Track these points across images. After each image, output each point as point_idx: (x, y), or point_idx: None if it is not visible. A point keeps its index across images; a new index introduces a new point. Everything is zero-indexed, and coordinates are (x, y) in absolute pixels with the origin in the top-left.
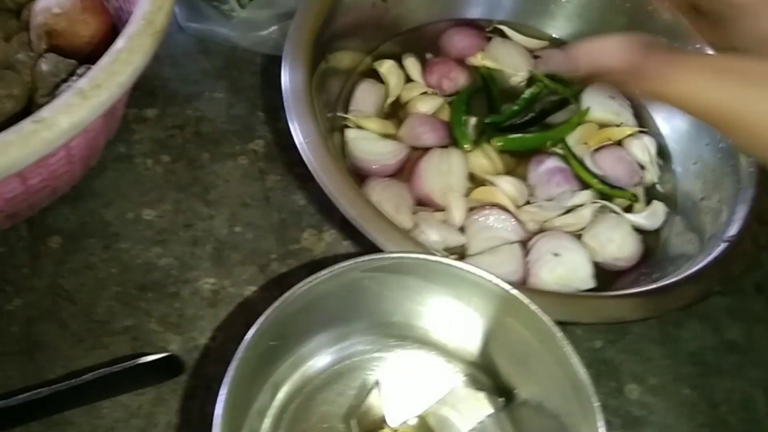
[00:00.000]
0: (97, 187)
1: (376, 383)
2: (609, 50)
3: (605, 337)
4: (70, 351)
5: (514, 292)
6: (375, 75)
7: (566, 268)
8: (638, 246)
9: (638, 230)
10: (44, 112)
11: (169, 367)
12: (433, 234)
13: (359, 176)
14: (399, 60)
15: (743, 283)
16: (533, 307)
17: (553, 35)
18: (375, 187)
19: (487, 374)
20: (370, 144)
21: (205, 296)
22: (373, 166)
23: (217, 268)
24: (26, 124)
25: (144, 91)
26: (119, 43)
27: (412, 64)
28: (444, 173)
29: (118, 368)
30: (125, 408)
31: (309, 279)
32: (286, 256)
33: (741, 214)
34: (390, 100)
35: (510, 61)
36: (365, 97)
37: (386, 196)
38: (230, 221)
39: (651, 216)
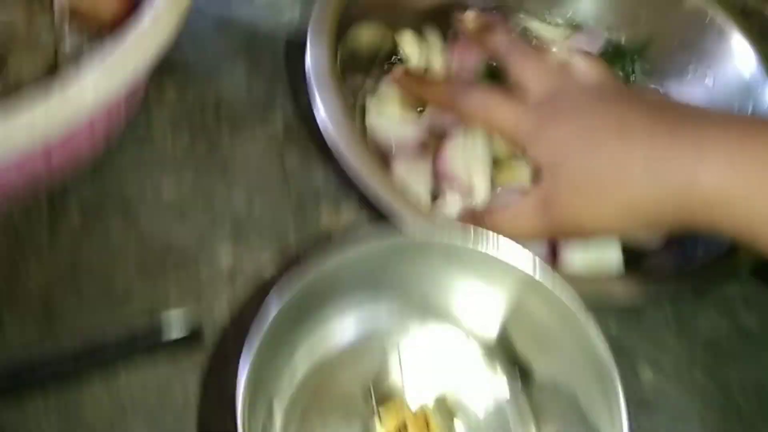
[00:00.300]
0: (117, 163)
1: (398, 355)
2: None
3: (621, 322)
4: (89, 322)
5: (539, 277)
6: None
7: (595, 252)
8: None
9: None
10: (71, 86)
11: (190, 337)
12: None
13: (382, 157)
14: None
15: (761, 273)
16: (558, 291)
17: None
18: (398, 167)
19: (506, 355)
20: (393, 126)
21: (223, 273)
22: (395, 147)
23: (235, 245)
24: (52, 96)
25: (165, 70)
26: (144, 20)
27: (434, 38)
28: (469, 153)
29: (139, 333)
30: (143, 383)
31: (328, 256)
32: (305, 233)
33: None
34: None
35: None
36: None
37: (409, 176)
38: (249, 199)
39: None
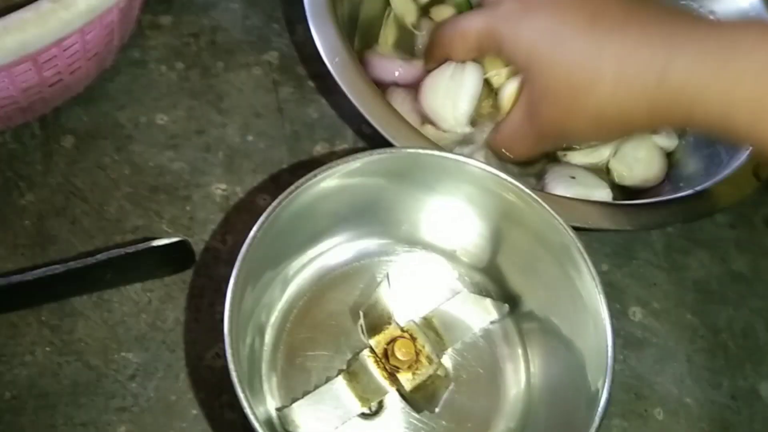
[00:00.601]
0: (111, 90)
1: (386, 278)
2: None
3: (612, 261)
4: (82, 246)
5: (529, 191)
6: None
7: (583, 187)
8: (664, 162)
9: None
10: None
11: (180, 256)
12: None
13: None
14: None
15: (753, 217)
16: (548, 207)
17: None
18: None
19: (494, 282)
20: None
21: (216, 201)
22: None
23: (228, 175)
24: (44, 3)
25: None
26: None
27: None
28: (453, 85)
29: (131, 249)
30: (134, 303)
31: (311, 174)
32: (298, 166)
33: None
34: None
35: None
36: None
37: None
38: (243, 130)
39: (668, 135)
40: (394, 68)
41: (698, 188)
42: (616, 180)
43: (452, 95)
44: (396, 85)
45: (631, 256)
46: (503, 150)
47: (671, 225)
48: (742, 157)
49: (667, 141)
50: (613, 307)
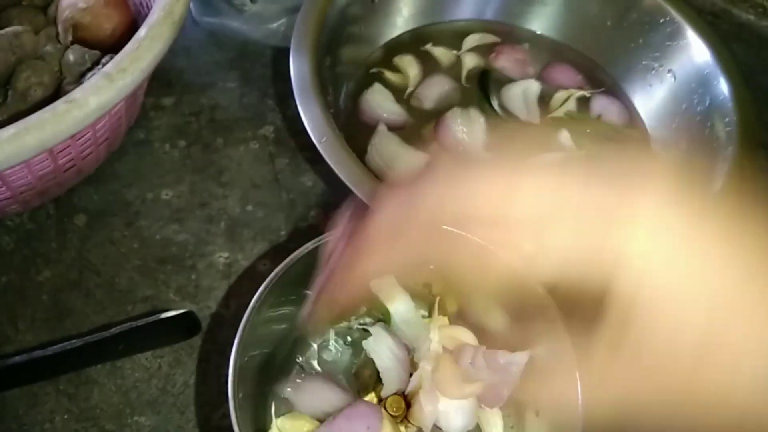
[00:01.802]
0: (119, 170)
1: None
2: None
3: None
4: (96, 317)
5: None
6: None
7: None
8: None
9: None
10: (76, 94)
11: (187, 325)
12: None
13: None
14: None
15: None
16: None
17: (539, 32)
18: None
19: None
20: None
21: (219, 269)
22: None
23: (230, 244)
24: (59, 104)
25: (161, 81)
26: (142, 31)
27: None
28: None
29: (142, 322)
30: (145, 369)
31: (308, 245)
32: (295, 232)
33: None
34: (409, 90)
35: None
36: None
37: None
38: (242, 201)
39: None
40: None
41: None
42: None
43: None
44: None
45: None
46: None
47: None
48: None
49: None
50: None
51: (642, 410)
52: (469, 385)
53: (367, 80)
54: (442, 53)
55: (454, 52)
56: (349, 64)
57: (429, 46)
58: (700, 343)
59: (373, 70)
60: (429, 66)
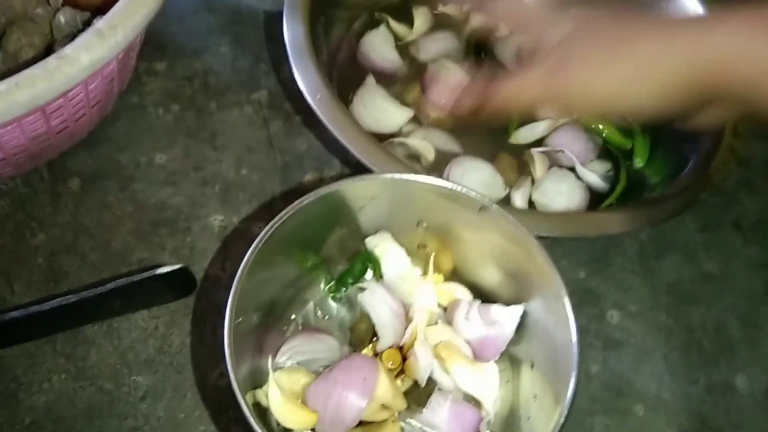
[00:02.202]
0: (112, 134)
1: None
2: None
3: (589, 268)
4: (91, 279)
5: (495, 207)
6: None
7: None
8: (585, 195)
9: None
10: (67, 50)
11: (183, 282)
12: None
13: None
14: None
15: (722, 220)
16: (510, 218)
17: None
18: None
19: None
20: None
21: (214, 231)
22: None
23: (225, 206)
24: (50, 60)
25: (154, 46)
26: None
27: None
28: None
29: (137, 278)
30: (142, 329)
31: (297, 202)
32: (290, 195)
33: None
34: (410, 39)
35: None
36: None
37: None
38: (237, 164)
39: (594, 176)
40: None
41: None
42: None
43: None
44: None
45: (607, 262)
46: (504, 100)
47: (641, 229)
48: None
49: (592, 178)
50: (591, 312)
51: None
52: None
53: (370, 25)
54: (453, 9)
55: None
56: (354, 8)
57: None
58: None
59: (377, 15)
60: (439, 21)
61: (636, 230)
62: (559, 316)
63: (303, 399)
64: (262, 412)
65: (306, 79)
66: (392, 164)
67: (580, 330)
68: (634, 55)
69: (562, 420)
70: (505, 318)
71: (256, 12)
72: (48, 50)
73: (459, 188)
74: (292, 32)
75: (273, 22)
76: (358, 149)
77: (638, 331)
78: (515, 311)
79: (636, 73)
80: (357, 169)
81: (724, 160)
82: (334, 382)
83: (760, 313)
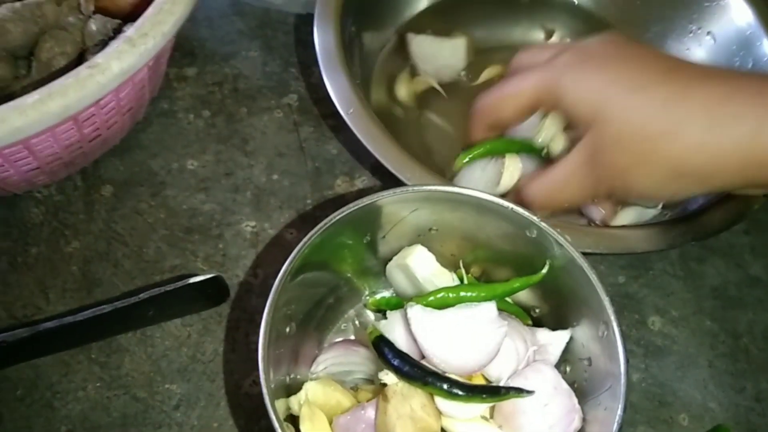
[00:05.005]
0: (144, 141)
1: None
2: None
3: (628, 273)
4: (124, 287)
5: (537, 221)
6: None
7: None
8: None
9: None
10: (98, 59)
11: (215, 291)
12: None
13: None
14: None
15: (767, 222)
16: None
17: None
18: None
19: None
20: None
21: (246, 238)
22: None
23: (257, 212)
24: (82, 70)
25: (184, 51)
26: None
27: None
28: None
29: (170, 287)
30: (175, 338)
31: (336, 213)
32: (321, 200)
33: None
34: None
35: None
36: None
37: None
38: (268, 170)
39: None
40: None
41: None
42: None
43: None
44: None
45: (647, 267)
46: (541, 199)
47: (682, 245)
48: None
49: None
50: (632, 318)
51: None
52: None
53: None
54: None
55: None
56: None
57: None
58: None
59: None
60: None
61: (684, 244)
62: (606, 344)
63: (332, 423)
64: (296, 421)
65: (337, 90)
66: (428, 179)
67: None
68: (674, 147)
69: None
70: (552, 343)
71: (285, 15)
72: (80, 58)
73: (506, 204)
74: (322, 38)
75: (302, 25)
76: (393, 164)
77: (681, 337)
78: (562, 336)
79: (677, 170)
80: (388, 175)
81: None
82: (367, 424)
83: None
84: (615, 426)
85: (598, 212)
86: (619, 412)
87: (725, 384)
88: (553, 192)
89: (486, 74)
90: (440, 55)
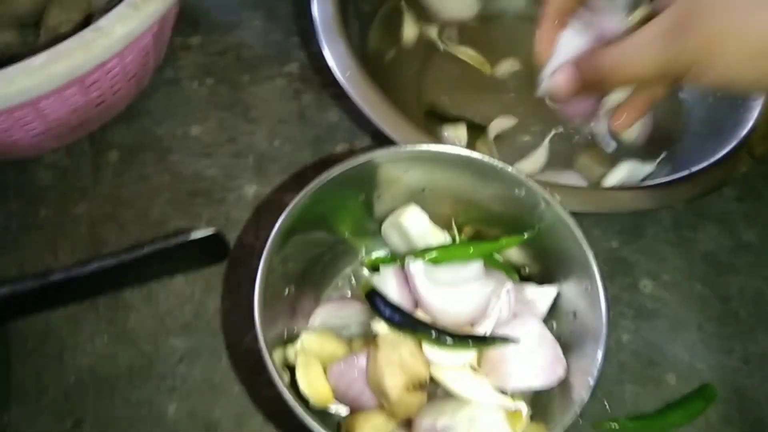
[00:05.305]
0: (149, 107)
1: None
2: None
3: (622, 238)
4: (129, 245)
5: (525, 179)
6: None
7: None
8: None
9: None
10: (102, 22)
11: (216, 248)
12: None
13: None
14: None
15: (761, 189)
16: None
17: None
18: None
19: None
20: None
21: (248, 201)
22: None
23: (258, 177)
24: (87, 33)
25: (188, 21)
26: None
27: None
28: None
29: (173, 242)
30: (179, 295)
31: (329, 172)
32: (321, 166)
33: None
34: None
35: None
36: None
37: None
38: (269, 136)
39: None
40: None
41: (694, 169)
42: None
43: None
44: None
45: (641, 233)
46: (610, 65)
47: (670, 206)
48: (740, 135)
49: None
50: (624, 281)
51: None
52: None
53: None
54: None
55: None
56: None
57: None
58: None
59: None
60: None
61: (671, 205)
62: (590, 299)
63: (326, 371)
64: (294, 371)
65: (336, 56)
66: (420, 138)
67: (612, 299)
68: None
69: (586, 396)
70: (539, 298)
71: None
72: (86, 23)
73: (497, 164)
74: (322, 6)
75: None
76: (389, 126)
77: (672, 300)
78: (549, 292)
79: None
80: (387, 142)
81: (764, 133)
82: (359, 371)
83: None
84: (595, 371)
85: (582, 106)
86: (599, 358)
87: (713, 346)
88: (624, 60)
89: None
90: None
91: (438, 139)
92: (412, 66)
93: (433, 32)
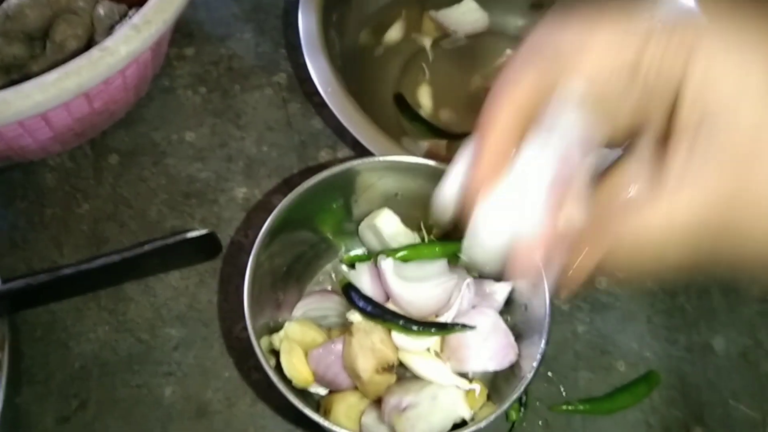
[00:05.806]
0: (147, 114)
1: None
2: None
3: None
4: (130, 244)
5: None
6: None
7: None
8: None
9: None
10: (107, 43)
11: (210, 246)
12: None
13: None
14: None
15: None
16: None
17: None
18: None
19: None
20: None
21: (238, 203)
22: None
23: (248, 180)
24: (94, 52)
25: (183, 32)
26: None
27: None
28: None
29: (171, 240)
30: (174, 288)
31: (312, 178)
32: (306, 170)
33: None
34: None
35: None
36: None
37: None
38: (258, 142)
39: None
40: None
41: None
42: None
43: None
44: None
45: None
46: (625, 261)
47: None
48: None
49: None
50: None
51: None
52: None
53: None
54: None
55: None
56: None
57: None
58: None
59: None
60: None
61: None
62: (538, 295)
63: (307, 355)
64: (278, 356)
65: (318, 71)
66: (393, 150)
67: (569, 294)
68: None
69: (530, 376)
70: (496, 292)
71: (276, 1)
72: (89, 40)
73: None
74: (306, 23)
75: (292, 10)
76: (366, 139)
77: (624, 295)
78: (504, 287)
79: None
80: (365, 150)
81: None
82: (336, 356)
83: (742, 279)
84: (539, 356)
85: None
86: (542, 345)
87: (661, 336)
88: (639, 255)
89: None
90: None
91: (409, 150)
92: (396, 64)
93: (426, 42)
